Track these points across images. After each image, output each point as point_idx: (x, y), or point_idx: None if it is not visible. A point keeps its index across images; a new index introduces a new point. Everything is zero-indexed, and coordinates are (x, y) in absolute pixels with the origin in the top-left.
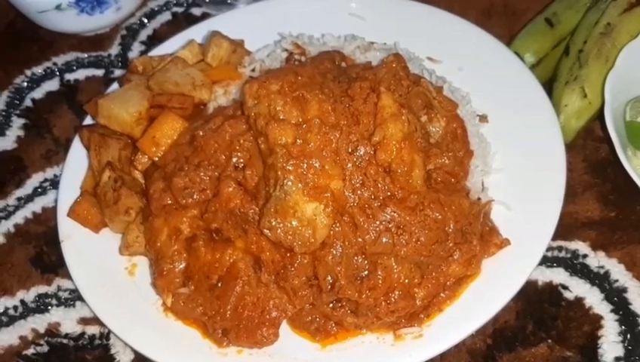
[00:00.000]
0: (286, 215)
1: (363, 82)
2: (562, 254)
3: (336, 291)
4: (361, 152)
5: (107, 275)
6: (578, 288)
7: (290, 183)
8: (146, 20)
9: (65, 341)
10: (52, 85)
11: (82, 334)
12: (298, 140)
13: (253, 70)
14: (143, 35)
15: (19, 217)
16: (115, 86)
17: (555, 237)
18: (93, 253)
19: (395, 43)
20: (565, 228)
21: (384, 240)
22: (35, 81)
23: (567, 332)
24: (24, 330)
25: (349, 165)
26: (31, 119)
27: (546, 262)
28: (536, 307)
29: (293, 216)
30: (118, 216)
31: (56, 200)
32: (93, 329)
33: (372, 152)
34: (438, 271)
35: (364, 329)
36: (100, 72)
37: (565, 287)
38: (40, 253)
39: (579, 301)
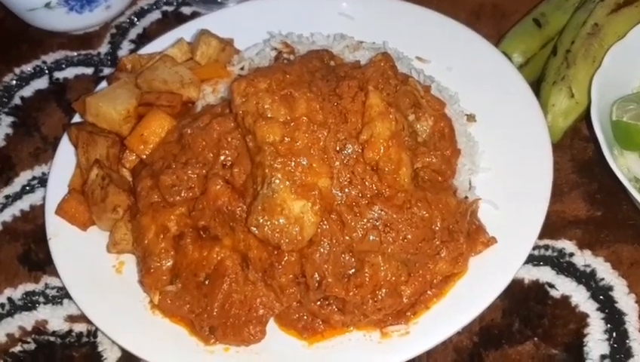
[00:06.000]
0: (273, 213)
1: (351, 81)
2: (549, 253)
3: (324, 289)
4: (349, 150)
5: (95, 273)
6: (564, 286)
7: (277, 181)
8: (135, 19)
9: (52, 338)
10: (41, 83)
11: (69, 332)
12: (286, 138)
13: (242, 69)
14: (133, 33)
15: (7, 215)
16: (103, 84)
17: (541, 236)
18: (80, 251)
19: (384, 42)
20: (552, 227)
21: (371, 238)
22: (24, 80)
23: (553, 330)
24: (11, 328)
25: (337, 163)
26: (19, 117)
27: (533, 260)
28: (522, 305)
29: (280, 213)
30: (106, 214)
31: (44, 198)
32: (80, 327)
33: (360, 150)
34: (425, 268)
35: (351, 326)
36: (89, 71)
37: (551, 286)
38: (28, 250)
39: (565, 299)
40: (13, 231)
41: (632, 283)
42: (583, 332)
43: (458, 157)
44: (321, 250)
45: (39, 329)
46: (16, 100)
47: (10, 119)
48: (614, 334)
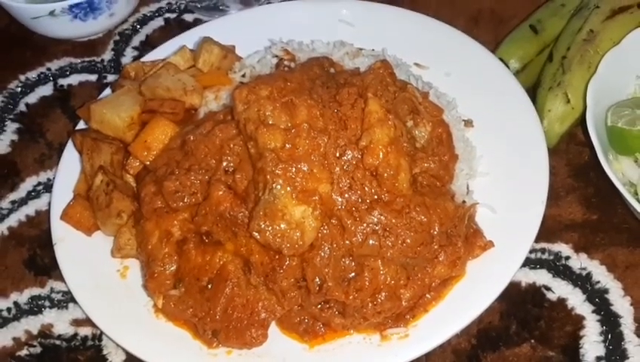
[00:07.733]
0: (275, 218)
1: (351, 88)
2: (545, 256)
3: (324, 292)
4: (349, 156)
5: (99, 277)
6: (561, 289)
7: (279, 187)
8: (138, 26)
9: (58, 342)
10: (46, 90)
11: (75, 335)
12: (287, 145)
13: (243, 76)
14: (136, 40)
15: (13, 220)
16: (107, 91)
17: (538, 240)
18: (85, 256)
19: (383, 49)
20: (548, 231)
21: (371, 242)
22: (29, 86)
23: (550, 333)
24: (17, 332)
25: (337, 169)
26: (25, 124)
27: (530, 263)
28: (519, 308)
29: (282, 219)
30: (110, 219)
31: (49, 204)
32: (85, 331)
33: (359, 156)
34: (424, 272)
35: (351, 329)
36: (93, 77)
37: (548, 288)
38: (33, 255)
39: (561, 302)
40: (19, 236)
41: (627, 286)
42: (579, 334)
43: (456, 163)
44: (322, 254)
45: (45, 332)
46: (21, 107)
47: (15, 125)
48: (610, 336)
